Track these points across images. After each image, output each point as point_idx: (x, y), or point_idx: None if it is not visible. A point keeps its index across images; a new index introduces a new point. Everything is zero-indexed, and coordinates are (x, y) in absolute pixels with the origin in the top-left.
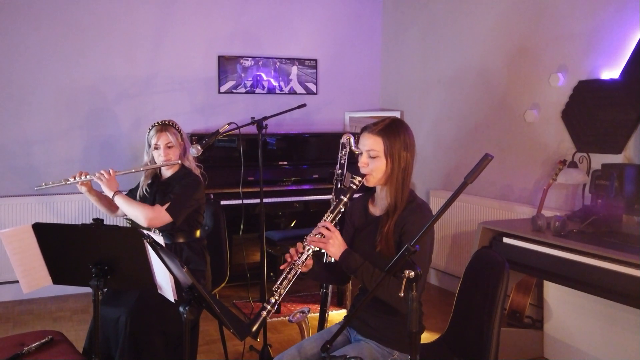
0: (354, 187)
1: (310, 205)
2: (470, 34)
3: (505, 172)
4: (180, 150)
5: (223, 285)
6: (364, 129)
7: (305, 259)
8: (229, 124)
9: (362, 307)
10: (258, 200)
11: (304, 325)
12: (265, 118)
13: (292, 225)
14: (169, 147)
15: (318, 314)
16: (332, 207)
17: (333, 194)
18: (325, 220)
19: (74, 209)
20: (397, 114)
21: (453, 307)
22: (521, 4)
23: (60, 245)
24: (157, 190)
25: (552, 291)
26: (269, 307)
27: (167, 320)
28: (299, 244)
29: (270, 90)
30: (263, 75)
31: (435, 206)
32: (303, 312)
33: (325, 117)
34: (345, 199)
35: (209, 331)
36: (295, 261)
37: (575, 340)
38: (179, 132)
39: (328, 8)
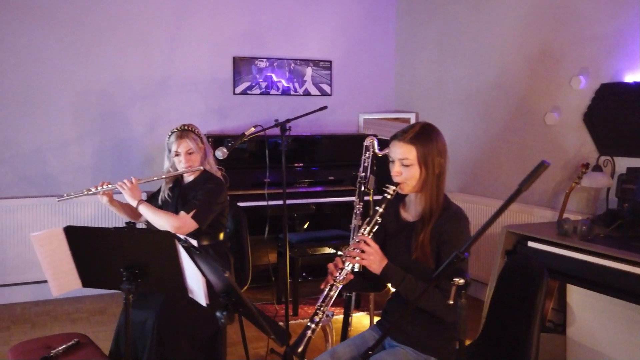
0: (389, 197)
1: (325, 207)
2: (488, 36)
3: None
4: (201, 155)
5: (246, 287)
6: (394, 137)
7: (345, 275)
8: (255, 126)
9: (406, 317)
10: (273, 202)
11: (327, 328)
12: (288, 120)
13: (305, 227)
14: (190, 154)
15: (342, 316)
16: (367, 219)
17: (356, 197)
18: (362, 233)
19: (89, 212)
20: (412, 116)
21: (486, 312)
22: (541, 6)
23: (91, 249)
24: (179, 194)
25: (576, 295)
26: (313, 325)
27: (194, 323)
28: (337, 260)
29: (285, 92)
30: (274, 76)
31: None
32: (327, 315)
33: (340, 118)
34: (381, 210)
35: (229, 334)
36: (336, 278)
37: (600, 345)
38: (199, 136)
39: (342, 9)
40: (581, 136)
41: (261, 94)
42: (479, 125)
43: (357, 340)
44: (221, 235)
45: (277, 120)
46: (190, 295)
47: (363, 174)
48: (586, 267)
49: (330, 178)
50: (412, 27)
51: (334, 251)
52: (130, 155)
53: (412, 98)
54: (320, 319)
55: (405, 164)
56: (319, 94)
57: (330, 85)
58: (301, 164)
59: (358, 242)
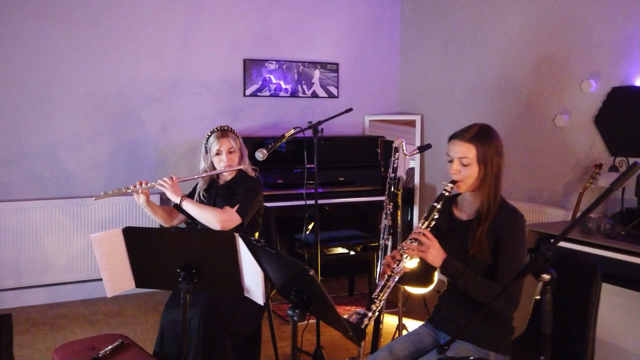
0: (446, 193)
1: (336, 208)
2: (495, 39)
3: (534, 175)
4: (239, 155)
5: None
6: (454, 136)
7: (402, 268)
8: (295, 128)
9: (476, 317)
10: (288, 203)
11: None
12: (320, 123)
13: (310, 227)
14: (231, 152)
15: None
16: (425, 214)
17: (386, 197)
18: (420, 227)
19: (101, 213)
20: (418, 118)
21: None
22: (549, 11)
23: (148, 249)
24: (216, 194)
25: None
26: (370, 314)
27: (237, 321)
28: (395, 252)
29: (293, 94)
30: (272, 77)
31: None
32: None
33: (346, 120)
34: (438, 206)
35: None
36: (393, 269)
37: (625, 343)
38: (237, 136)
39: (348, 12)
40: (591, 138)
41: (270, 96)
42: None
43: (412, 337)
44: (256, 235)
45: (310, 122)
46: (246, 294)
47: (392, 175)
48: (612, 264)
49: (340, 179)
50: (417, 30)
51: (347, 251)
52: (143, 155)
53: (417, 100)
54: (377, 307)
55: (464, 163)
56: (326, 96)
57: (337, 87)
58: (312, 165)
59: (416, 236)
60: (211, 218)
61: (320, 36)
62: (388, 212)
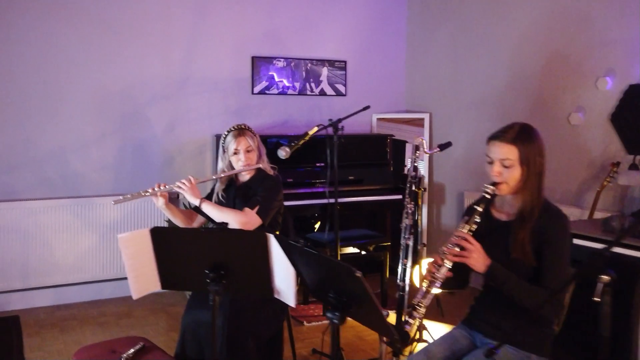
0: (488, 196)
1: (346, 207)
2: (505, 38)
3: (548, 173)
4: (257, 154)
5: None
6: (494, 137)
7: (445, 273)
8: (318, 126)
9: (523, 322)
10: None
11: None
12: (340, 120)
13: (317, 226)
14: (249, 151)
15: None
16: (466, 218)
17: (407, 196)
18: (462, 231)
19: (109, 213)
20: (426, 116)
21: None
22: (562, 8)
23: (176, 250)
24: (235, 194)
25: None
26: (411, 321)
27: (260, 322)
28: (436, 257)
29: (302, 92)
30: (280, 75)
31: None
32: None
33: (354, 118)
34: (480, 209)
35: None
36: (435, 275)
37: None
38: (255, 135)
39: (355, 9)
40: (607, 136)
41: (279, 93)
42: (497, 125)
43: (448, 339)
44: (277, 234)
45: (330, 119)
46: (276, 295)
47: (414, 174)
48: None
49: (350, 177)
50: (424, 28)
51: (358, 251)
52: (150, 155)
53: (425, 98)
54: (420, 313)
55: (506, 165)
56: (334, 94)
57: (344, 85)
58: (322, 164)
59: (457, 240)
60: (231, 220)
61: (328, 34)
62: (409, 211)
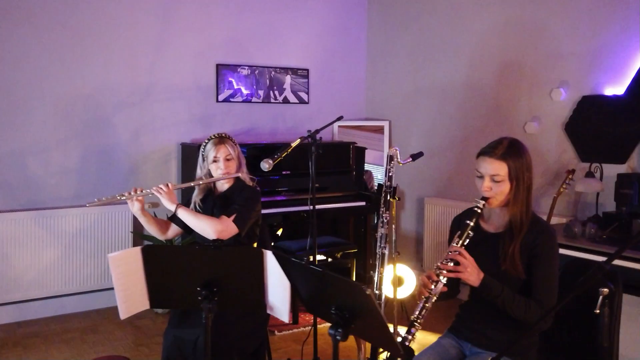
0: (479, 210)
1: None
2: (464, 48)
3: None
4: (236, 163)
5: None
6: (483, 153)
7: (440, 288)
8: (300, 138)
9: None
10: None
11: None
12: (317, 131)
13: (279, 233)
14: (228, 160)
15: None
16: (459, 233)
17: (382, 205)
18: (456, 246)
19: (71, 225)
20: (386, 124)
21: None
22: (517, 21)
23: (167, 268)
24: (214, 204)
25: None
26: (410, 337)
27: (244, 336)
28: (431, 273)
29: (266, 100)
30: (244, 83)
31: (431, 213)
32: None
33: (316, 126)
34: (471, 224)
35: None
36: (431, 290)
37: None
38: (235, 144)
39: (317, 19)
40: (561, 144)
41: (243, 101)
42: (454, 132)
43: (437, 349)
44: (255, 245)
45: (309, 130)
46: (269, 311)
47: (388, 183)
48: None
49: (315, 185)
50: (384, 38)
51: (325, 258)
52: (115, 162)
53: (384, 106)
54: (417, 330)
55: (496, 180)
56: (297, 101)
57: (307, 93)
58: (287, 172)
59: (452, 255)
60: (207, 227)
61: (291, 42)
62: (385, 220)
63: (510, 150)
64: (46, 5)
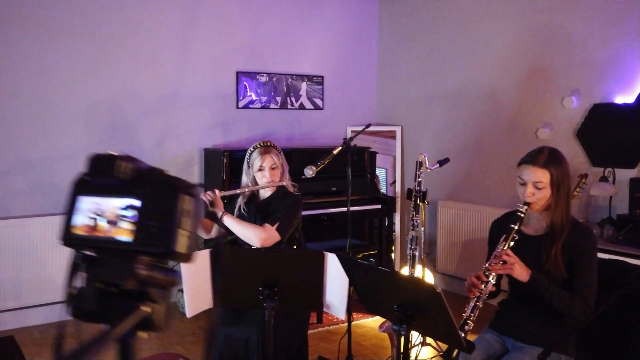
0: (522, 215)
1: (330, 217)
2: (477, 55)
3: (515, 183)
4: (281, 171)
5: None
6: (526, 161)
7: (490, 287)
8: (341, 145)
9: (571, 332)
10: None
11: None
12: (352, 139)
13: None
14: (273, 169)
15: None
16: (504, 236)
17: (412, 209)
18: (503, 248)
19: None
20: (398, 129)
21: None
22: (532, 30)
23: (233, 268)
24: (257, 210)
25: None
26: (462, 334)
27: (290, 336)
28: (480, 274)
29: (283, 106)
30: (263, 89)
31: (444, 216)
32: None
33: (331, 131)
34: (516, 227)
35: None
36: (482, 290)
37: None
38: (280, 152)
39: (331, 27)
40: (573, 150)
41: (262, 107)
42: (466, 137)
43: (482, 343)
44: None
45: (345, 138)
46: (325, 309)
47: (418, 188)
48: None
49: (333, 189)
50: (394, 46)
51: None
52: None
53: (395, 112)
54: (470, 328)
55: (538, 187)
56: (313, 107)
57: (322, 99)
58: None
59: (499, 256)
60: (251, 235)
61: (307, 50)
62: (416, 223)
63: (551, 158)
64: (76, 18)
